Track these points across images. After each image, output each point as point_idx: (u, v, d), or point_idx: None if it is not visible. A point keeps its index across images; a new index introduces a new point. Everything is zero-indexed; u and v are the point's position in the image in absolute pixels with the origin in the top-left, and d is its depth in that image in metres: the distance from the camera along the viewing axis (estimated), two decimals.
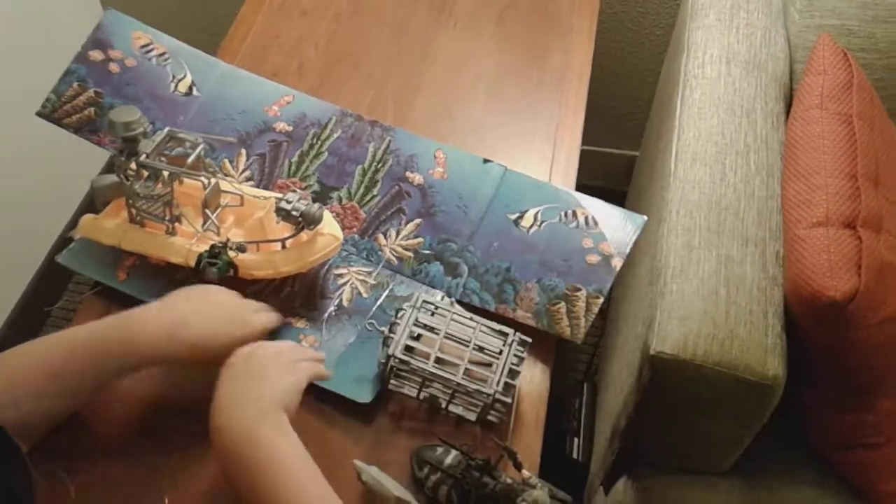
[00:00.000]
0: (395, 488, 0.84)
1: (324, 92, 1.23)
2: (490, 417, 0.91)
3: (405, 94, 1.23)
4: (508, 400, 0.89)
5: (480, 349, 0.92)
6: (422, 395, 0.92)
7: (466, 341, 0.92)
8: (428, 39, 1.32)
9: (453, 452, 0.86)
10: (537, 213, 1.05)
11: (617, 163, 1.97)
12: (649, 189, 1.32)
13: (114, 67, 1.14)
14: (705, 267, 1.02)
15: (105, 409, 0.90)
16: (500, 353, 0.91)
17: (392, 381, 0.92)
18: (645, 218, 1.04)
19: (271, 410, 0.79)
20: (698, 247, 1.04)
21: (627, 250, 1.01)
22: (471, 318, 0.94)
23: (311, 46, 1.30)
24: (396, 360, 0.90)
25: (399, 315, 0.93)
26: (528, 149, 1.18)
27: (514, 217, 1.05)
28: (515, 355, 0.91)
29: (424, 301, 0.95)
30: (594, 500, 1.31)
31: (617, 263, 1.00)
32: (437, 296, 0.99)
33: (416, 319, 0.93)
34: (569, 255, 1.01)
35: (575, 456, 1.45)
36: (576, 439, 1.47)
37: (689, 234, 1.05)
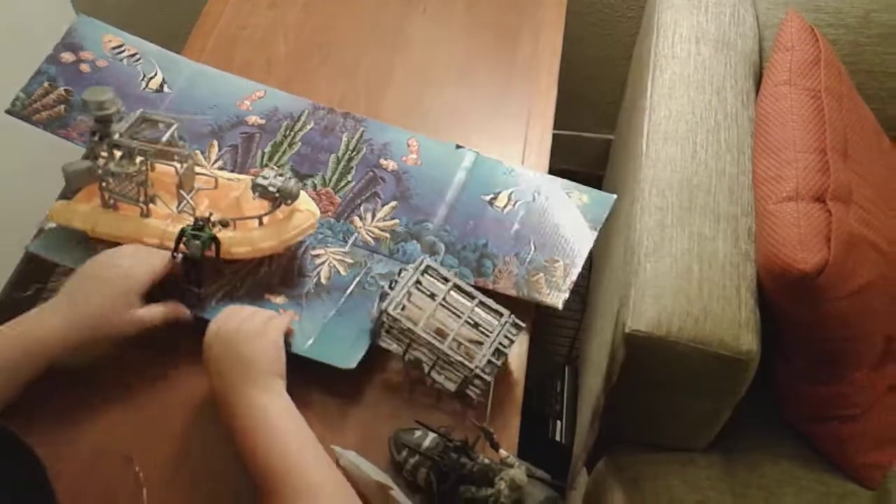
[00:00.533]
0: (373, 472, 0.84)
1: (294, 85, 1.23)
2: (469, 391, 0.91)
3: (377, 84, 1.23)
4: (488, 378, 0.89)
5: (475, 325, 0.92)
6: (407, 357, 0.92)
7: (461, 313, 0.92)
8: (398, 27, 1.31)
9: (431, 435, 0.87)
10: (511, 193, 1.06)
11: (593, 146, 1.97)
12: (623, 170, 1.32)
13: (84, 68, 1.15)
14: (678, 245, 1.02)
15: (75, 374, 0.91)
16: (493, 331, 0.92)
17: (383, 337, 0.93)
18: (614, 196, 1.05)
19: (259, 376, 0.82)
20: (671, 225, 1.04)
21: (601, 225, 1.03)
22: (470, 293, 0.94)
23: (279, 38, 1.30)
24: (389, 317, 0.90)
25: (401, 273, 0.93)
26: (500, 132, 1.18)
27: (488, 198, 1.06)
28: (506, 336, 0.91)
29: (428, 266, 0.95)
30: (577, 482, 1.32)
31: (591, 235, 1.02)
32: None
33: (417, 282, 0.93)
34: (543, 231, 1.02)
35: (557, 438, 1.46)
36: (558, 422, 1.48)
37: (662, 213, 1.06)
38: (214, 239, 0.93)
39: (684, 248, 1.02)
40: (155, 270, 0.89)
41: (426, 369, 0.92)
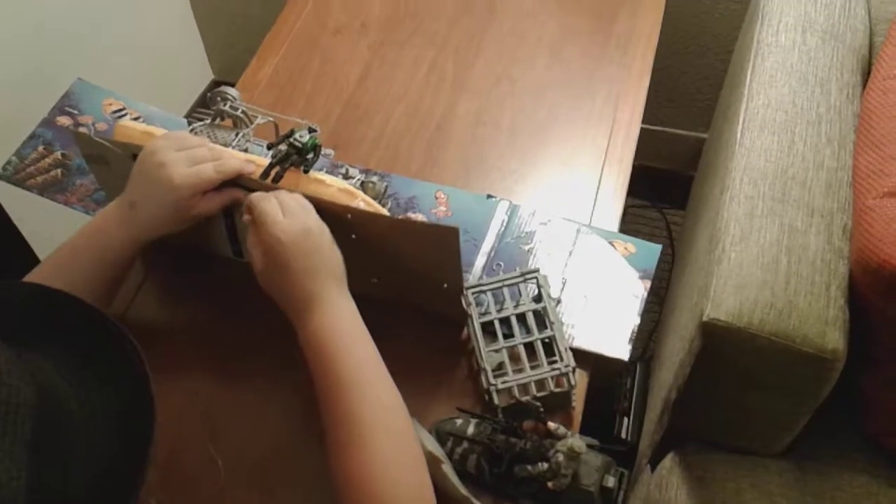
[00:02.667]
0: (429, 443, 0.83)
1: (385, 50, 1.23)
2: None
3: (466, 55, 1.22)
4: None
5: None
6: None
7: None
8: (493, 1, 1.30)
9: (474, 421, 0.85)
10: (552, 243, 1.00)
11: (684, 145, 1.92)
12: (714, 162, 1.28)
13: (83, 131, 1.09)
14: (767, 236, 0.98)
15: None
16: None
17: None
18: (660, 246, 1.00)
19: (342, 280, 0.80)
20: (760, 215, 1.00)
21: (652, 274, 0.98)
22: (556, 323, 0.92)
23: (375, 4, 1.30)
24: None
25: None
26: (588, 111, 1.15)
27: (527, 248, 1.00)
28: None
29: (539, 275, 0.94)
30: (640, 480, 1.28)
31: (643, 286, 0.97)
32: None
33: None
34: (593, 282, 0.97)
35: (623, 436, 1.42)
36: (625, 419, 1.44)
37: (752, 203, 1.01)
38: (317, 147, 0.91)
39: (773, 239, 0.97)
40: (201, 181, 0.84)
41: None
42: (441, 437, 0.85)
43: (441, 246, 0.83)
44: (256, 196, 0.82)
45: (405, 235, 0.85)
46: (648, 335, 1.71)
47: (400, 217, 1.00)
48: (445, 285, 0.89)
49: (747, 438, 1.08)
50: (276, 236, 0.78)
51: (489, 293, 0.93)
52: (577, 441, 0.75)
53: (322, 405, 0.74)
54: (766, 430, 1.05)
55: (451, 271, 0.87)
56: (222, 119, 1.03)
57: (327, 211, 0.82)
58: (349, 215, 0.83)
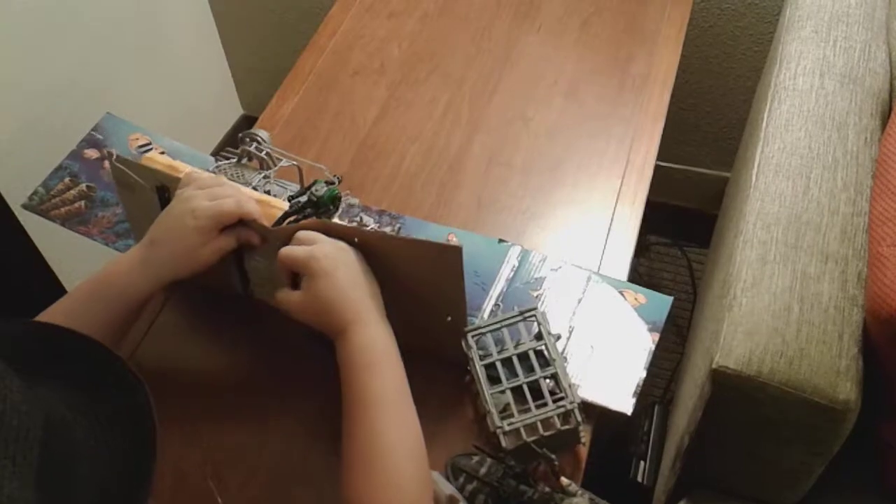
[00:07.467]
0: (445, 487, 0.82)
1: (402, 90, 1.25)
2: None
3: (482, 95, 1.23)
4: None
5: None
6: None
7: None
8: (510, 43, 1.31)
9: (489, 461, 0.84)
10: (560, 290, 0.99)
11: (710, 184, 1.90)
12: (732, 204, 1.27)
13: (108, 164, 1.11)
14: (779, 282, 0.96)
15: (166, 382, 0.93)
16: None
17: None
18: (671, 298, 0.99)
19: (382, 311, 0.83)
20: (773, 261, 0.99)
21: (661, 327, 0.96)
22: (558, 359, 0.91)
23: (394, 46, 1.32)
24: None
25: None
26: (600, 152, 1.15)
27: (536, 293, 1.00)
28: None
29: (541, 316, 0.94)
30: None
31: (650, 338, 0.95)
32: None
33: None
34: (600, 331, 0.96)
35: (640, 479, 1.40)
36: (642, 462, 1.42)
37: (765, 248, 1.00)
38: (336, 199, 0.93)
39: (786, 285, 0.96)
40: (222, 213, 0.85)
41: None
42: (455, 473, 0.85)
43: (445, 267, 0.84)
44: (286, 250, 0.83)
45: (409, 256, 0.85)
46: (669, 377, 1.68)
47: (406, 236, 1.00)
48: (449, 318, 0.89)
49: (761, 488, 1.06)
50: (315, 256, 0.80)
51: (489, 335, 0.92)
52: (583, 502, 0.74)
53: (344, 420, 0.77)
54: (779, 479, 1.03)
55: (455, 298, 0.87)
56: (249, 159, 1.04)
57: (335, 235, 0.84)
58: (356, 238, 0.83)
